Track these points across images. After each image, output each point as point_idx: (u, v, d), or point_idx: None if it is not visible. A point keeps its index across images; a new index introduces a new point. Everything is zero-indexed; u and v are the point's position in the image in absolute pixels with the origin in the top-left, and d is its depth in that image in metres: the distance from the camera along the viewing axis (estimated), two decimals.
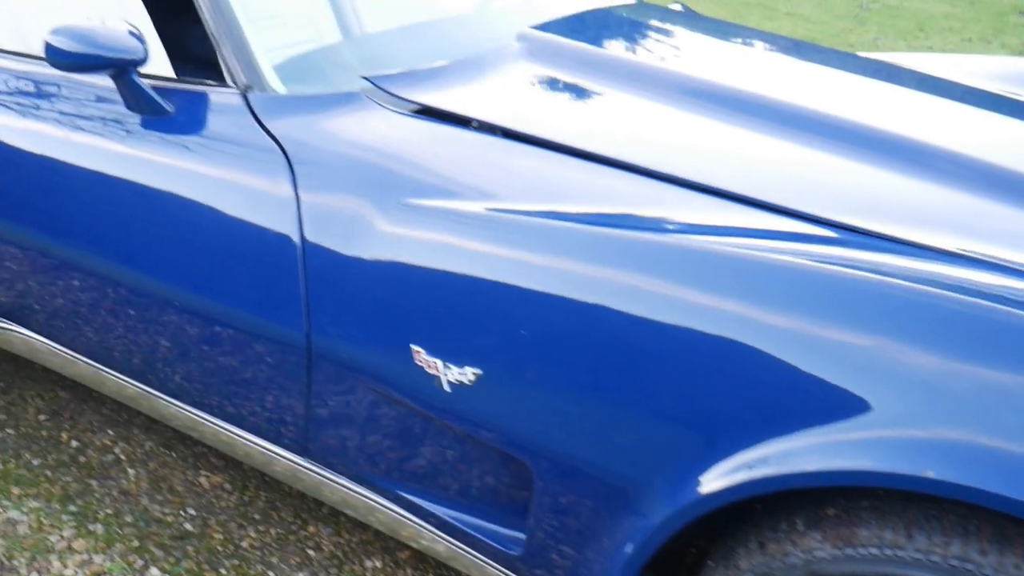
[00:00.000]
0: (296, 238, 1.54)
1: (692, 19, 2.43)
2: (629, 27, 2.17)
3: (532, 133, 1.57)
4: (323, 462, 1.69)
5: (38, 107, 1.89)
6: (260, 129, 1.64)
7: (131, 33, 1.69)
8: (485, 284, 1.37)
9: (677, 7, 2.59)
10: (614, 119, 1.69)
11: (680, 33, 2.23)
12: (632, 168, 1.48)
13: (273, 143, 1.62)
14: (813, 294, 1.18)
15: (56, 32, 1.69)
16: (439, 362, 1.41)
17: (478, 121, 1.62)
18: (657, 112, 1.72)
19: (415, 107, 1.68)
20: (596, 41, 1.98)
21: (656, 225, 1.35)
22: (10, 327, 2.15)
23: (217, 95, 1.72)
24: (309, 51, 1.87)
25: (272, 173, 1.59)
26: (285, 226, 1.56)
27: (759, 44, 2.25)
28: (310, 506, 2.19)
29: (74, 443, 2.36)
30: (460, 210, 1.43)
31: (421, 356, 1.42)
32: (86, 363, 2.02)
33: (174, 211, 1.68)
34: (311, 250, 1.53)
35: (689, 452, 1.24)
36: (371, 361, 1.50)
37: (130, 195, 1.73)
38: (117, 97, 1.77)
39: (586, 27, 2.08)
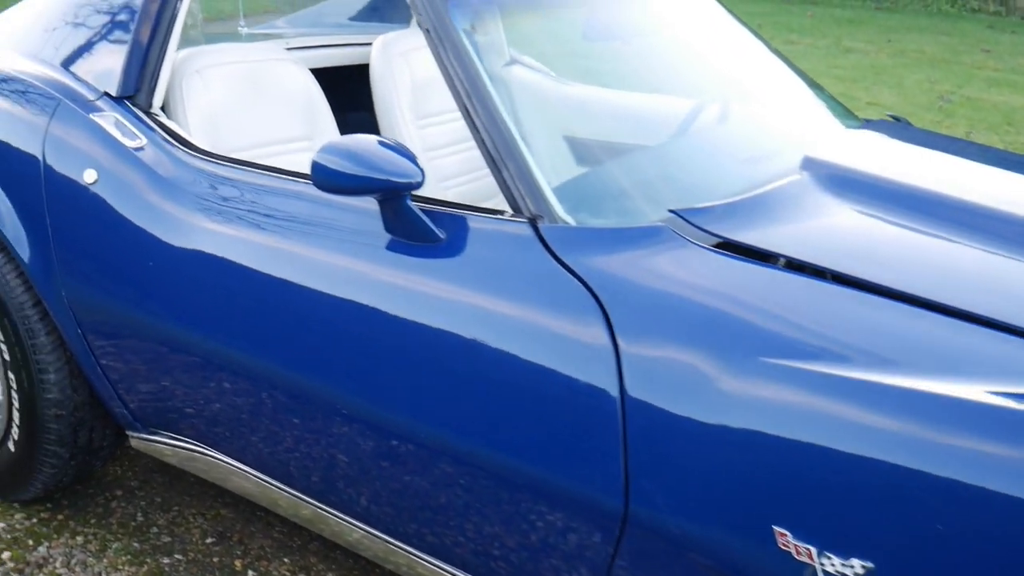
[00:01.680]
0: (614, 390, 1.37)
1: (934, 137, 2.30)
2: (903, 148, 2.03)
3: (877, 282, 1.40)
4: None
5: (278, 225, 1.74)
6: (556, 263, 1.49)
7: (404, 154, 1.55)
8: (880, 465, 1.19)
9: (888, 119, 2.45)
10: (954, 264, 1.53)
11: (939, 155, 2.08)
12: (1015, 330, 1.31)
13: (575, 279, 1.46)
14: None
15: (326, 151, 1.55)
16: (812, 549, 1.22)
17: (808, 264, 1.46)
18: (996, 258, 1.55)
19: (716, 241, 1.53)
20: (884, 167, 1.83)
21: None
22: (190, 445, 2.00)
23: (498, 223, 1.57)
24: (591, 178, 1.72)
25: (579, 314, 1.43)
26: (600, 376, 1.39)
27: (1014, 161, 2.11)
28: None
29: (250, 572, 2.17)
30: (837, 375, 1.26)
31: (787, 540, 1.24)
32: (266, 481, 1.88)
33: (445, 346, 1.52)
34: (634, 406, 1.36)
35: None
36: (712, 538, 1.32)
37: (390, 326, 1.57)
38: (375, 219, 1.63)
39: (866, 150, 1.93)
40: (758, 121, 2.07)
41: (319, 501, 1.83)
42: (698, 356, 1.34)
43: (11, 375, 2.09)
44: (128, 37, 2.03)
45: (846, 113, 2.25)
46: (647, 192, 1.71)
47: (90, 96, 2.01)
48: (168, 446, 2.06)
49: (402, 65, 2.67)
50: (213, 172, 1.85)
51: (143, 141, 1.92)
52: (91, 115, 1.96)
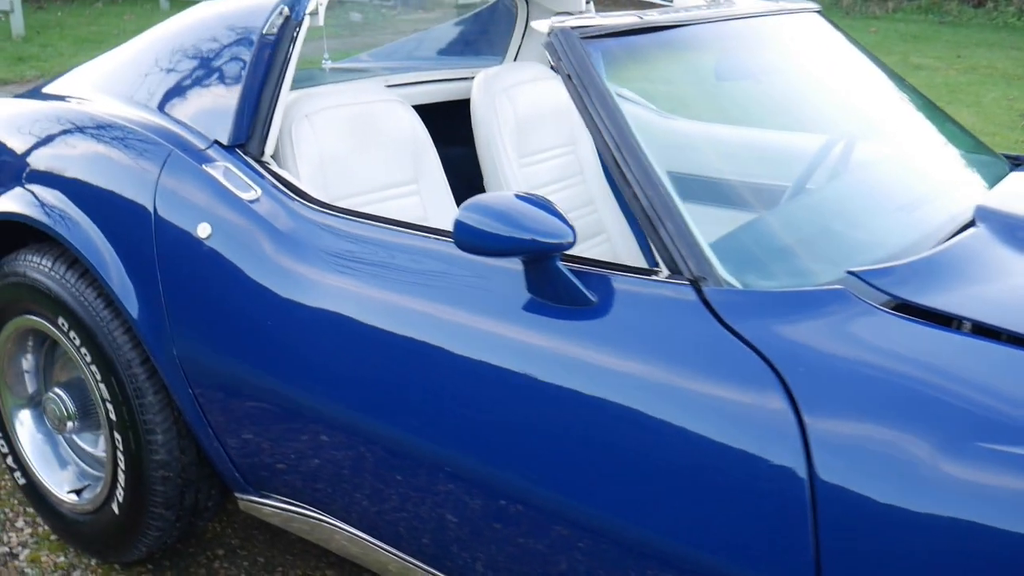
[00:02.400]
0: (801, 471, 1.24)
1: None
2: None
3: None
4: None
5: (406, 283, 1.64)
6: (725, 330, 1.36)
7: (552, 212, 1.44)
8: None
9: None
10: None
11: None
12: None
13: (747, 348, 1.33)
14: None
15: (470, 209, 1.44)
16: None
17: (1005, 331, 1.32)
18: None
19: (897, 303, 1.40)
20: None
21: None
22: (299, 508, 1.90)
23: (655, 286, 1.44)
24: (749, 233, 1.60)
25: (754, 385, 1.30)
26: (783, 454, 1.25)
27: None
28: None
29: None
30: None
31: None
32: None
33: (599, 415, 1.39)
34: (826, 490, 1.22)
35: None
36: None
37: (536, 392, 1.45)
38: (515, 278, 1.52)
39: None
40: (906, 162, 1.93)
41: (433, 567, 1.72)
42: (902, 435, 1.21)
43: (117, 436, 2.01)
44: (238, 82, 1.95)
45: (983, 148, 2.11)
46: (813, 249, 1.58)
47: (200, 145, 1.93)
48: (275, 508, 1.96)
49: (505, 102, 2.57)
50: (334, 226, 1.75)
51: (258, 192, 1.83)
52: (203, 166, 1.87)
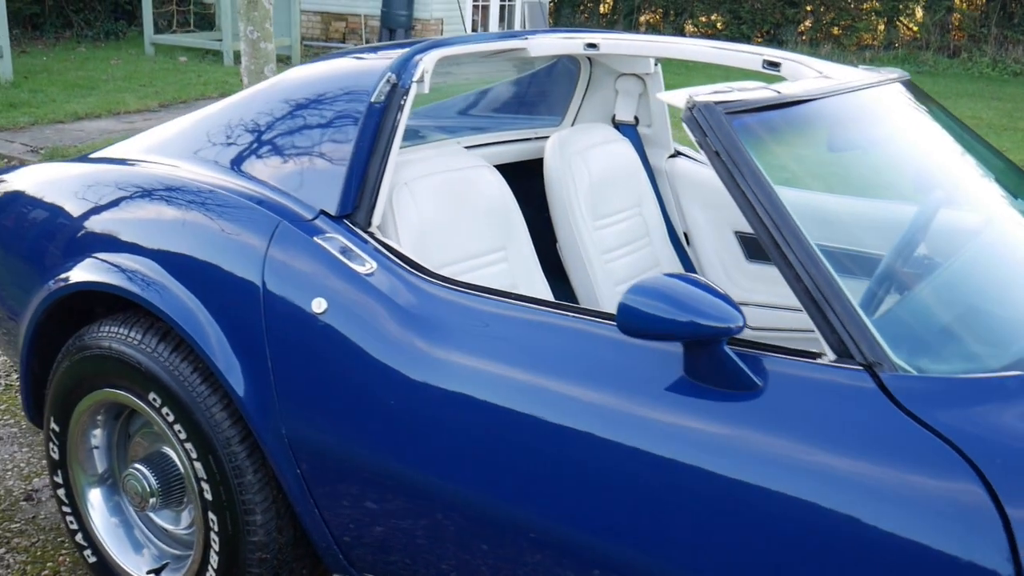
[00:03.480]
0: (1007, 571, 1.20)
1: None
2: None
3: None
4: None
5: (543, 363, 1.59)
6: (909, 418, 1.32)
7: (720, 295, 1.40)
8: None
9: None
10: None
11: None
12: None
13: (936, 438, 1.29)
14: None
15: (637, 292, 1.40)
16: None
17: None
18: None
19: None
20: None
21: None
22: None
23: (826, 371, 1.40)
24: (911, 312, 1.57)
25: (948, 478, 1.26)
26: (986, 553, 1.21)
27: None
28: None
29: None
30: None
31: None
32: None
33: (774, 506, 1.35)
34: None
35: None
36: None
37: (696, 481, 1.41)
38: (668, 360, 1.48)
39: None
40: None
41: None
42: None
43: (212, 516, 1.92)
44: (346, 151, 1.90)
45: None
46: (974, 329, 1.55)
47: (307, 215, 1.87)
48: None
49: (580, 164, 2.55)
50: (463, 303, 1.70)
51: (373, 266, 1.77)
52: (315, 238, 1.82)
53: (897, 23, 15.95)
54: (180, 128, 2.28)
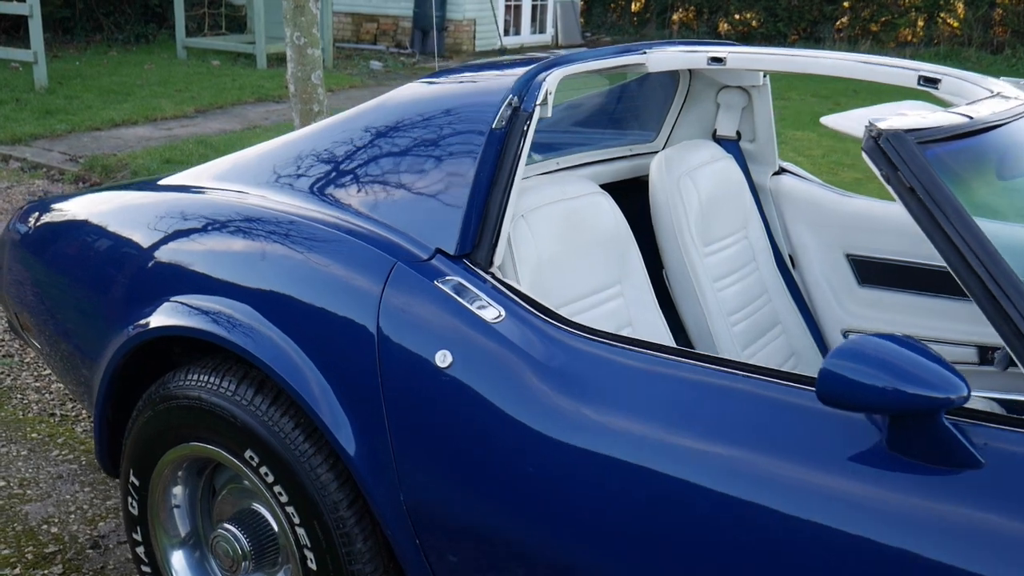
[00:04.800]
0: None
1: None
2: None
3: None
4: None
5: (711, 428, 1.39)
6: None
7: (938, 360, 1.20)
8: None
9: None
10: None
11: None
12: None
13: None
14: None
15: (842, 357, 1.21)
16: None
17: None
18: None
19: None
20: None
21: None
22: None
23: None
24: None
25: None
26: None
27: None
28: None
29: None
30: None
31: None
32: None
33: None
34: None
35: None
36: None
37: (899, 565, 1.22)
38: (863, 430, 1.28)
39: None
40: None
41: None
42: None
43: None
44: (465, 182, 1.71)
45: None
46: None
47: (422, 255, 1.68)
48: None
49: (689, 185, 2.35)
50: (602, 355, 1.51)
51: (501, 312, 1.58)
52: (435, 281, 1.63)
53: (937, 19, 15.62)
54: (261, 153, 2.09)
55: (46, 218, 2.32)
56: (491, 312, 1.58)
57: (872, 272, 2.61)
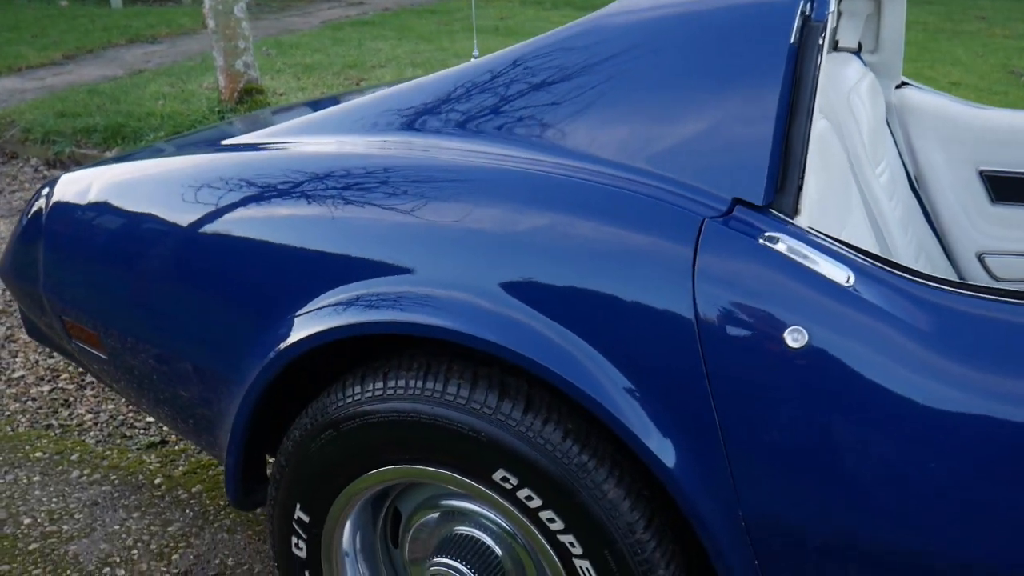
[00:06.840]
0: None
1: None
2: None
3: None
4: None
5: None
6: None
7: None
8: None
9: None
10: None
11: None
12: None
13: None
14: None
15: None
16: None
17: None
18: None
19: None
20: None
21: None
22: None
23: None
24: None
25: None
26: None
27: None
28: None
29: None
30: None
31: None
32: None
33: None
34: None
35: None
36: None
37: None
38: None
39: None
40: None
41: None
42: None
43: None
44: (765, 113, 1.36)
45: None
46: None
47: (720, 208, 1.34)
48: None
49: (858, 104, 2.08)
50: (984, 314, 1.22)
51: (848, 274, 1.26)
52: (760, 240, 1.28)
53: None
54: (422, 86, 1.67)
55: (112, 200, 1.81)
56: (840, 273, 1.26)
57: (1007, 188, 2.42)
